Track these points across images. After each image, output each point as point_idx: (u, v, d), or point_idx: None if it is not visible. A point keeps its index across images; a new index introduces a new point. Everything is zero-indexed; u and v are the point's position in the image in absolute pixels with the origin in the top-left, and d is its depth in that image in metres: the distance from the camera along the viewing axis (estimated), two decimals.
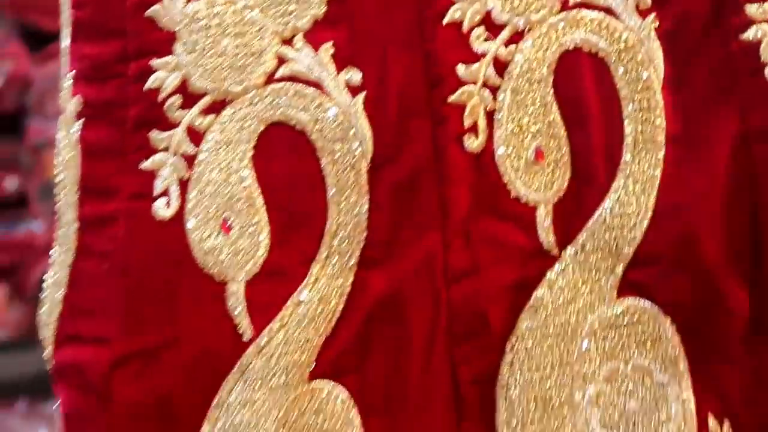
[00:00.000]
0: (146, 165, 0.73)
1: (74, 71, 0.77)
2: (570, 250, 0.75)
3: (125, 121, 0.73)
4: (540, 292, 0.74)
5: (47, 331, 0.78)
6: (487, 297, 0.75)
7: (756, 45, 0.74)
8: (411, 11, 0.73)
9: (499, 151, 0.74)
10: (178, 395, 0.73)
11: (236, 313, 0.73)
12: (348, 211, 0.74)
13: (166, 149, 0.72)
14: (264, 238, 0.74)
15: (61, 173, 0.79)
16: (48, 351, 0.78)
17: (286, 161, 0.74)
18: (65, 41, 0.78)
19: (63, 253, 0.78)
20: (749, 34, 0.74)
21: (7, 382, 1.45)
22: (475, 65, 0.73)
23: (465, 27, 0.74)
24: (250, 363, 0.73)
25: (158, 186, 0.74)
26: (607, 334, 0.76)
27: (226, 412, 0.74)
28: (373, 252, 0.74)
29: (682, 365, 0.75)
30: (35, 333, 0.91)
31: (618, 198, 0.74)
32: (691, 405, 0.76)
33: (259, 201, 0.74)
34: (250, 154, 0.73)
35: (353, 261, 0.74)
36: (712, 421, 0.77)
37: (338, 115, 0.73)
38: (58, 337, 0.77)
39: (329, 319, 0.74)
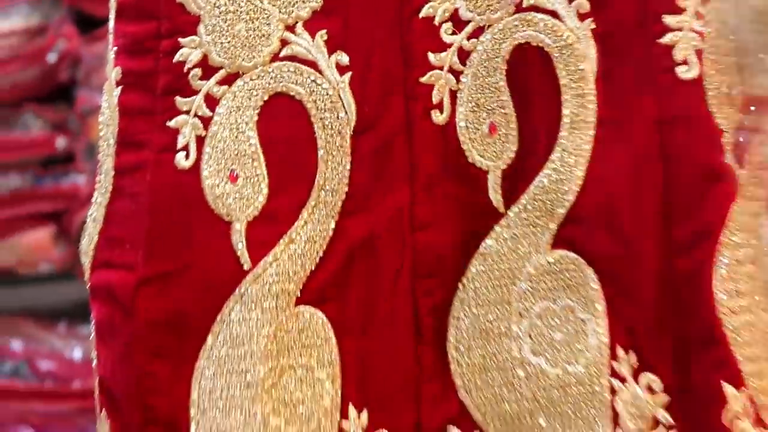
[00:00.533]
0: (171, 124, 0.72)
1: (117, 47, 0.75)
2: (514, 208, 0.73)
3: (156, 88, 0.72)
4: (488, 242, 0.74)
5: (86, 259, 0.78)
6: (445, 244, 0.74)
7: (670, 48, 0.72)
8: (392, 7, 0.72)
9: (460, 124, 0.73)
10: (189, 311, 0.72)
11: (238, 247, 0.71)
12: (334, 168, 0.72)
13: (187, 112, 0.71)
14: (264, 187, 0.72)
15: (103, 129, 0.78)
16: (86, 275, 0.77)
17: (284, 125, 0.72)
18: (111, 22, 0.77)
19: (101, 195, 0.77)
20: (666, 39, 0.72)
21: (51, 308, 1.44)
22: (443, 53, 0.72)
23: (436, 22, 0.72)
24: (248, 288, 0.72)
25: (180, 141, 0.72)
26: (541, 278, 0.74)
27: (227, 327, 0.72)
28: (353, 203, 0.73)
29: (600, 306, 0.74)
30: (75, 267, 0.89)
31: (555, 168, 0.72)
32: (605, 338, 0.74)
33: (261, 157, 0.72)
34: (255, 118, 0.72)
35: (336, 210, 0.72)
36: (620, 351, 0.74)
37: (329, 90, 0.71)
38: (94, 264, 0.76)
39: (314, 256, 0.73)
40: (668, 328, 0.75)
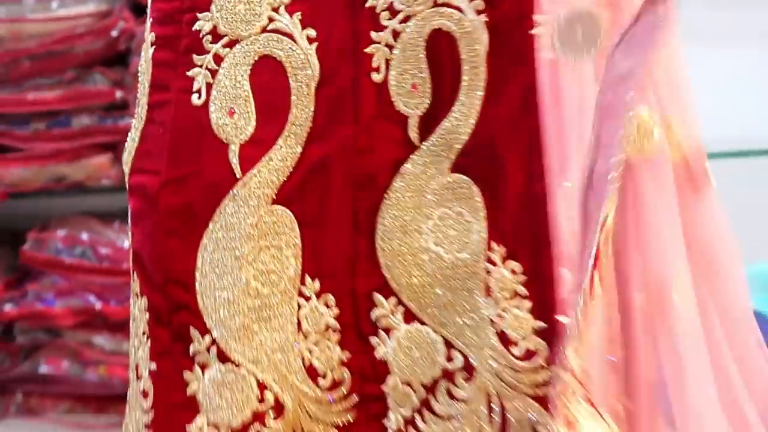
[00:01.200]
0: (189, 73, 0.75)
1: (152, 18, 0.78)
2: (426, 143, 0.76)
3: (179, 48, 0.76)
4: (407, 165, 0.76)
5: (126, 168, 0.81)
6: (377, 166, 0.77)
7: (537, 36, 0.80)
8: None
9: (391, 83, 0.76)
10: (196, 205, 0.76)
11: (233, 162, 0.74)
12: (302, 110, 0.75)
13: (201, 65, 0.75)
14: (252, 121, 0.75)
15: (140, 77, 0.81)
16: (126, 178, 0.81)
17: (268, 78, 0.76)
18: (150, 2, 0.82)
19: (138, 122, 0.81)
20: (535, 31, 0.77)
21: (108, 211, 1.46)
22: (382, 32, 0.75)
23: (377, 10, 0.75)
24: (238, 191, 0.75)
25: (195, 86, 0.75)
26: (442, 192, 0.78)
27: (223, 217, 0.75)
28: (314, 134, 0.76)
29: (481, 213, 0.75)
30: (125, 182, 0.94)
31: (455, 116, 0.74)
32: (484, 234, 0.76)
33: (252, 99, 0.75)
34: (248, 72, 0.75)
35: (302, 139, 0.75)
36: (494, 245, 0.75)
37: (300, 54, 0.74)
38: (131, 171, 0.80)
39: (286, 171, 0.76)
40: (527, 231, 0.78)
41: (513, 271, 0.75)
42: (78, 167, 1.47)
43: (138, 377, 0.77)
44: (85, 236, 1.49)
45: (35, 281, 1.44)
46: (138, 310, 0.79)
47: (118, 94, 1.50)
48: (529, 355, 0.73)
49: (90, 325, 1.48)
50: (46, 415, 1.42)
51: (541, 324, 0.73)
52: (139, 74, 0.83)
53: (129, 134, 0.84)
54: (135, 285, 0.80)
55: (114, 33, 1.45)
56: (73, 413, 1.45)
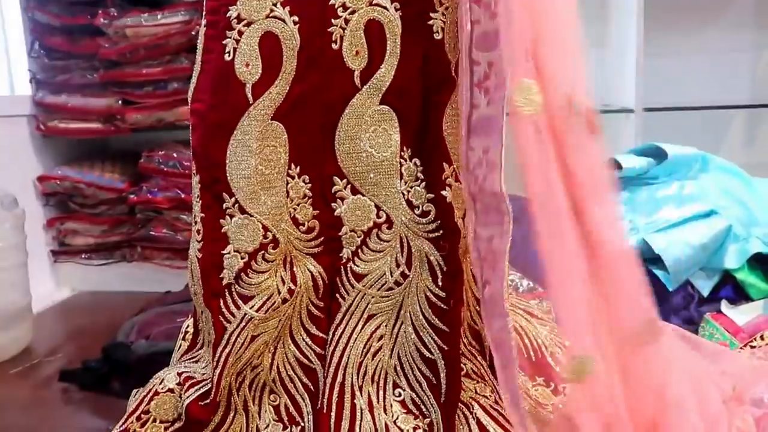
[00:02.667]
0: (223, 42, 0.88)
1: (205, 11, 0.89)
2: (365, 87, 0.87)
3: (218, 27, 0.88)
4: (354, 100, 0.88)
5: (189, 98, 0.94)
6: (335, 99, 0.89)
7: (432, 25, 0.88)
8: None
9: (344, 50, 0.87)
10: (226, 120, 0.88)
11: (248, 94, 0.88)
12: (289, 64, 0.88)
13: (230, 37, 0.87)
14: (259, 70, 0.88)
15: (198, 45, 0.93)
16: (189, 105, 0.92)
17: (270, 45, 0.87)
18: (204, 2, 0.89)
19: (195, 73, 0.94)
20: (430, 22, 0.88)
21: (188, 139, 1.32)
22: (338, 19, 0.87)
23: (336, 6, 0.87)
24: (250, 111, 0.88)
25: (226, 49, 0.88)
26: (373, 116, 0.88)
27: (241, 127, 0.89)
28: (296, 79, 0.87)
29: (397, 128, 0.88)
30: None
31: (383, 71, 0.87)
32: (398, 142, 0.89)
33: (259, 57, 0.88)
34: (258, 41, 0.87)
35: (290, 81, 0.88)
36: (405, 149, 0.90)
37: (289, 31, 0.87)
38: (192, 100, 0.94)
39: (280, 99, 0.89)
40: (426, 137, 0.87)
41: (415, 164, 0.88)
42: (171, 113, 1.78)
43: (195, 223, 0.91)
44: (175, 155, 1.78)
45: (146, 181, 1.80)
46: (195, 183, 0.90)
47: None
48: (424, 214, 0.88)
49: (178, 207, 1.76)
50: (154, 261, 1.85)
51: (431, 195, 0.87)
52: (197, 44, 0.92)
53: (191, 80, 0.91)
54: (193, 168, 0.91)
55: (193, 33, 1.71)
56: (170, 260, 1.81)
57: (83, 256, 1.91)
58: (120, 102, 1.80)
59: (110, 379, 1.25)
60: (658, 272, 1.26)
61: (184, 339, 1.02)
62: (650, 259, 1.28)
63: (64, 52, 1.80)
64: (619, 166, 1.36)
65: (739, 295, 1.30)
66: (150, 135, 1.84)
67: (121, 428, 0.91)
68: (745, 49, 1.78)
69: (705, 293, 1.30)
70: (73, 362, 1.35)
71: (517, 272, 1.24)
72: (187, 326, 0.99)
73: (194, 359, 0.94)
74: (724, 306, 1.26)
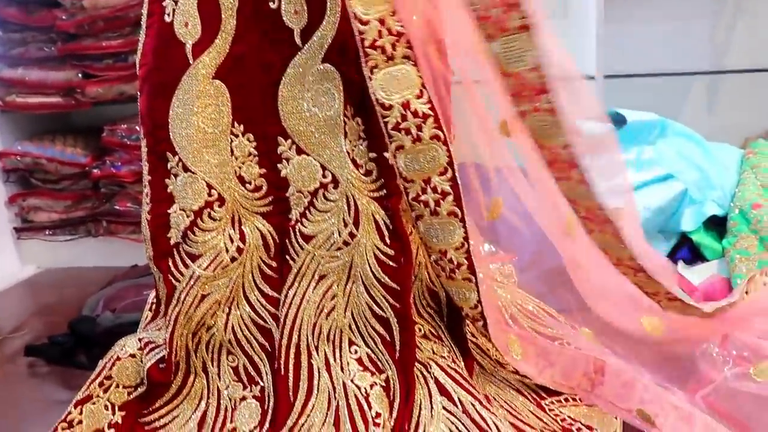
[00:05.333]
0: (164, 4, 0.91)
1: None
2: (306, 45, 0.89)
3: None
4: (295, 59, 0.89)
5: (137, 64, 0.95)
6: (275, 59, 0.91)
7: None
8: None
9: (283, 10, 0.90)
10: (168, 80, 0.92)
11: (188, 54, 0.90)
12: (228, 23, 0.92)
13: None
14: (199, 30, 0.90)
15: (143, 12, 0.94)
16: (137, 71, 0.92)
17: (209, 4, 0.91)
18: None
19: (141, 38, 0.95)
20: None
21: None
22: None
23: (279, 9, 0.87)
24: (191, 71, 0.91)
25: (166, 11, 0.91)
26: (316, 75, 0.89)
27: (183, 85, 0.91)
28: (236, 38, 0.91)
29: (341, 87, 0.89)
30: None
31: (322, 30, 0.88)
32: (342, 98, 0.89)
33: (198, 17, 0.91)
34: (196, 0, 0.90)
35: (229, 41, 0.92)
36: (348, 107, 0.90)
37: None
38: (138, 65, 0.95)
39: (220, 58, 0.92)
40: (367, 96, 0.86)
41: (357, 123, 0.89)
42: (132, 86, 1.72)
43: (144, 186, 0.92)
44: (138, 128, 1.47)
45: (109, 155, 1.80)
46: (143, 148, 0.92)
47: None
48: (368, 173, 0.89)
49: (142, 181, 1.48)
50: (119, 235, 1.83)
51: (373, 155, 0.88)
52: (142, 10, 0.92)
53: (137, 46, 0.92)
54: (141, 133, 0.93)
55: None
56: (135, 233, 1.79)
57: (47, 233, 1.91)
58: (80, 75, 1.80)
59: (76, 353, 1.27)
60: None
61: (150, 310, 1.04)
62: None
63: (19, 24, 1.78)
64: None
65: (695, 256, 1.34)
66: (112, 108, 1.84)
67: (84, 395, 0.92)
68: (704, 15, 1.81)
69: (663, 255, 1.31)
70: (39, 338, 1.37)
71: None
72: (153, 297, 1.02)
73: (158, 327, 0.97)
74: (681, 267, 1.30)
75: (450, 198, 0.81)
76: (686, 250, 1.34)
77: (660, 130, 1.42)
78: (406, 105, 0.79)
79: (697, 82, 1.81)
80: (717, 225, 1.34)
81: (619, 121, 1.43)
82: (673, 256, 1.33)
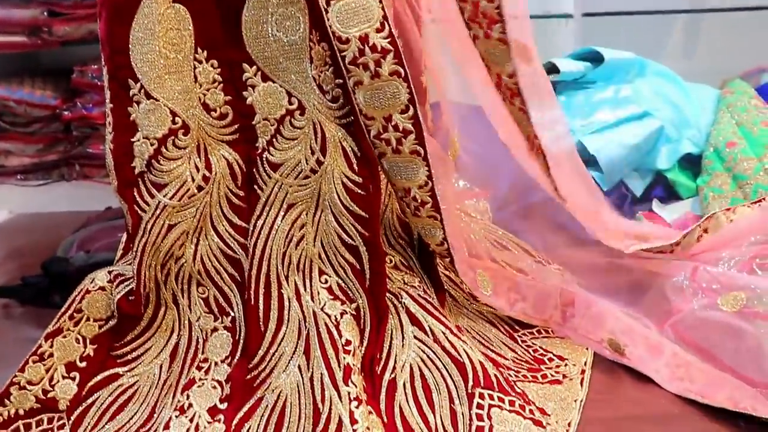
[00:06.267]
0: None
1: None
2: None
3: None
4: (246, 13, 0.86)
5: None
6: (229, 18, 0.88)
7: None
8: None
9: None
10: (126, 4, 0.88)
11: None
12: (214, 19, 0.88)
13: None
14: None
15: None
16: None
17: None
18: None
19: None
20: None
21: None
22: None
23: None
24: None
25: None
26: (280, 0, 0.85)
27: (142, 10, 0.88)
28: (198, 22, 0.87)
29: (306, 11, 0.86)
30: None
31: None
32: (308, 25, 0.87)
33: None
34: None
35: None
36: (313, 32, 0.89)
37: None
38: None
39: (190, 39, 0.89)
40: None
41: (323, 48, 0.86)
42: None
43: (106, 115, 0.90)
44: None
45: (80, 97, 1.79)
46: (104, 75, 0.90)
47: None
48: (334, 99, 0.88)
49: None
50: (93, 179, 1.84)
51: (339, 81, 0.86)
52: None
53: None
54: (102, 60, 0.90)
55: None
56: (108, 177, 1.72)
57: (19, 177, 1.90)
58: (45, 13, 1.77)
59: (51, 293, 1.26)
60: (594, 173, 1.29)
61: (122, 249, 1.04)
62: (586, 160, 1.29)
63: None
64: (556, 70, 1.37)
65: (670, 194, 1.36)
66: (82, 48, 1.81)
67: (54, 327, 0.91)
68: None
69: (638, 193, 1.35)
70: (12, 280, 1.36)
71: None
72: (125, 237, 1.00)
73: (128, 262, 0.96)
74: (656, 205, 1.31)
75: (412, 137, 0.81)
76: (661, 189, 1.36)
77: (638, 69, 1.43)
78: (364, 39, 0.79)
79: (676, 21, 1.80)
80: (692, 164, 1.36)
81: (597, 59, 1.43)
82: (648, 193, 1.36)
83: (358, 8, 0.78)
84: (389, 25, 0.77)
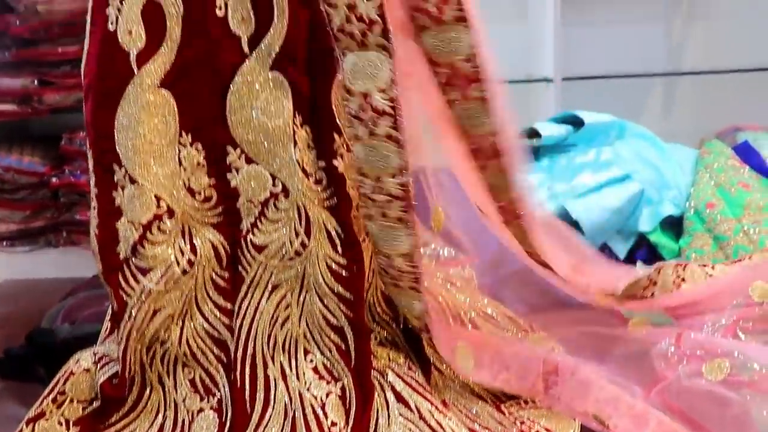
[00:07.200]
0: (107, 11, 0.89)
1: None
2: (254, 52, 0.89)
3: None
4: (243, 66, 0.89)
5: (82, 74, 0.94)
6: (223, 66, 0.90)
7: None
8: None
9: (229, 16, 0.90)
10: (112, 89, 0.89)
11: (132, 62, 0.89)
12: (173, 30, 0.90)
13: (112, 5, 0.89)
14: (143, 38, 0.89)
15: (87, 20, 0.94)
16: (83, 79, 0.92)
17: (153, 11, 0.90)
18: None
19: (85, 46, 0.95)
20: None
21: None
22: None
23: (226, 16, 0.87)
24: (135, 80, 0.89)
25: (110, 19, 0.90)
26: (264, 83, 0.89)
27: (127, 96, 0.90)
28: (182, 46, 0.89)
29: (289, 95, 0.89)
30: None
31: (271, 36, 0.89)
32: (291, 109, 0.90)
33: (142, 26, 0.90)
34: (140, 9, 0.89)
35: (175, 48, 0.90)
36: (297, 115, 0.92)
37: None
38: (83, 75, 0.95)
39: (165, 68, 0.90)
40: (315, 105, 0.90)
41: (306, 132, 0.89)
42: None
43: (91, 200, 0.92)
44: None
45: (69, 164, 1.80)
46: (89, 159, 0.91)
47: None
48: (318, 182, 0.89)
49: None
50: (81, 245, 1.83)
51: (322, 163, 0.89)
52: (86, 19, 0.91)
53: (83, 55, 0.90)
54: (87, 144, 0.91)
55: None
56: None
57: (5, 243, 1.90)
58: (36, 82, 1.81)
59: (34, 366, 1.23)
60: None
61: (110, 320, 1.03)
62: (569, 224, 1.34)
63: None
64: (538, 135, 1.40)
65: (653, 256, 1.37)
66: (70, 116, 1.84)
67: (37, 412, 0.91)
68: (659, 17, 1.85)
69: (621, 256, 1.37)
70: None
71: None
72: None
73: (114, 341, 0.97)
74: (639, 266, 1.31)
75: (399, 203, 0.84)
76: (644, 251, 1.38)
77: (618, 132, 1.47)
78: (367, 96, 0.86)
79: (653, 84, 1.86)
80: (674, 225, 1.39)
81: (577, 123, 1.46)
82: (631, 256, 1.37)
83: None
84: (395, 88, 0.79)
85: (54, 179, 1.85)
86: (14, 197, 1.89)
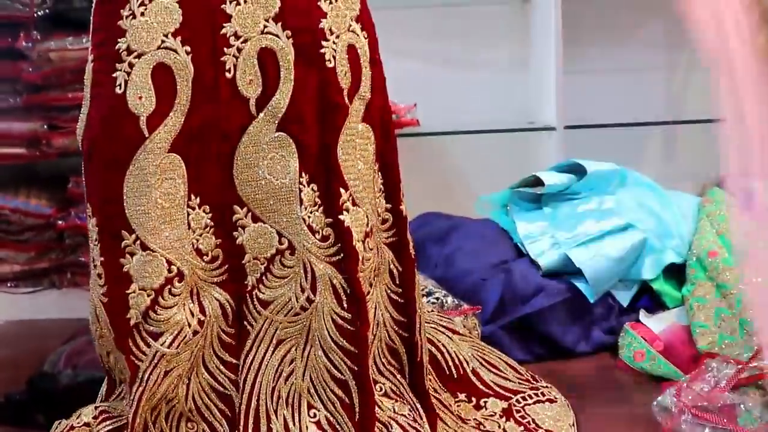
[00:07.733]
0: (114, 75, 0.89)
1: (92, 45, 0.94)
2: (261, 114, 0.92)
3: (107, 58, 0.90)
4: (250, 128, 0.93)
5: (79, 136, 0.98)
6: (231, 128, 0.93)
7: (324, 54, 0.92)
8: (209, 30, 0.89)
9: (238, 79, 0.93)
10: (121, 154, 0.91)
11: (143, 127, 0.89)
12: (183, 94, 0.92)
13: (120, 69, 0.90)
14: (153, 102, 0.91)
15: (85, 81, 0.94)
16: (80, 142, 0.93)
17: (163, 76, 0.92)
18: (91, 37, 0.91)
19: (84, 108, 0.96)
20: (322, 50, 0.91)
21: None
22: (231, 48, 0.92)
23: (228, 35, 0.92)
24: (147, 145, 0.90)
25: (117, 82, 0.91)
26: (271, 142, 0.93)
27: (137, 160, 0.91)
28: (192, 109, 0.91)
29: (295, 155, 0.92)
30: None
31: (277, 99, 0.91)
32: (297, 168, 0.93)
33: (152, 89, 0.91)
34: (150, 72, 0.92)
35: (185, 113, 0.91)
36: (303, 174, 0.95)
37: (182, 61, 0.92)
38: (83, 138, 0.95)
39: (175, 132, 0.91)
40: (322, 163, 0.92)
41: (313, 190, 0.91)
42: None
43: (94, 267, 0.90)
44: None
45: (75, 207, 1.78)
46: (91, 226, 0.90)
47: None
48: (324, 238, 0.91)
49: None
50: (83, 286, 1.74)
51: (329, 220, 0.90)
52: (84, 80, 0.91)
53: (79, 116, 0.92)
54: (88, 210, 0.90)
55: None
56: None
57: (9, 284, 1.89)
58: (45, 126, 1.81)
59: (34, 412, 1.22)
60: (580, 285, 1.33)
61: (106, 382, 1.03)
62: (572, 272, 1.35)
63: None
64: (541, 183, 1.41)
65: (656, 303, 1.38)
66: (78, 160, 1.70)
67: None
68: (658, 67, 1.89)
69: (624, 304, 1.38)
70: None
71: (442, 290, 1.28)
72: None
73: (121, 396, 0.97)
74: (642, 315, 1.33)
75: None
76: (647, 298, 1.38)
77: (620, 180, 1.47)
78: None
79: (654, 132, 1.88)
80: (676, 273, 1.39)
81: (580, 171, 1.46)
82: (634, 304, 1.37)
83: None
84: None
85: (60, 221, 1.84)
86: (19, 238, 1.89)
